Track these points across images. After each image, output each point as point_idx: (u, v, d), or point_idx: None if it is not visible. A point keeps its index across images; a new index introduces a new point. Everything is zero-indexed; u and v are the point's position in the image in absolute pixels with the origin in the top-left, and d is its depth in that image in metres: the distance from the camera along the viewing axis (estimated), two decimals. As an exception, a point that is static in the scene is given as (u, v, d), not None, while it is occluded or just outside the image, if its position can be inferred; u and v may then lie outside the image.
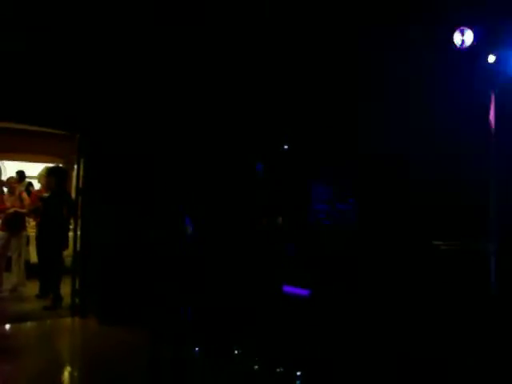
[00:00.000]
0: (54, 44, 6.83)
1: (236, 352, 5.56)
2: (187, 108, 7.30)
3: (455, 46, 5.50)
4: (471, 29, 5.43)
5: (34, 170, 13.15)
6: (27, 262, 9.33)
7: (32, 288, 8.71)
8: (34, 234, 9.20)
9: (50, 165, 9.75)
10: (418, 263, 5.33)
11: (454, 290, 5.06)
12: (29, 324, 7.19)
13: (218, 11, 6.32)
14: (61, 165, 10.46)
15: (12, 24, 6.40)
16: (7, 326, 6.96)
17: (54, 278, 7.88)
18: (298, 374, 5.01)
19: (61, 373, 5.52)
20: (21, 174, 9.93)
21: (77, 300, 7.53)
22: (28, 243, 9.58)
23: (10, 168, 12.56)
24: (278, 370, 5.09)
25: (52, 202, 8.02)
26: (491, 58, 5.05)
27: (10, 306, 7.88)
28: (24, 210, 8.77)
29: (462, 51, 5.49)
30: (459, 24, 5.50)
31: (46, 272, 8.08)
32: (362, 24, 5.90)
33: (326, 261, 5.95)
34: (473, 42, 5.42)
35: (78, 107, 7.31)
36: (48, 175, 8.33)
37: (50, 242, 7.87)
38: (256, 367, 5.22)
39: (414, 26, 5.63)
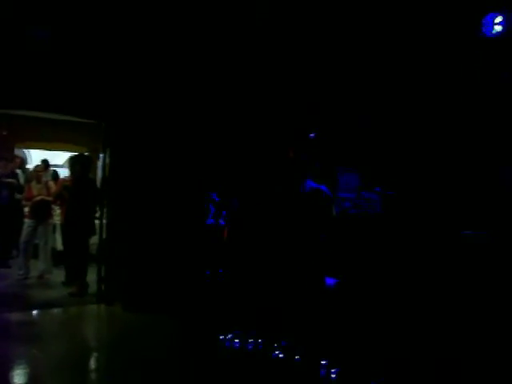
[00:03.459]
0: (80, 33, 6.86)
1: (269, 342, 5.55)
2: (213, 97, 7.28)
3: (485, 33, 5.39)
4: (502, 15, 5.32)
5: (59, 158, 13.36)
6: (54, 250, 9.45)
7: (58, 275, 8.82)
8: (60, 221, 9.30)
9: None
10: (446, 254, 5.24)
11: (483, 283, 4.96)
12: (55, 311, 7.29)
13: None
14: (86, 153, 10.50)
15: (40, 12, 6.44)
16: (34, 313, 7.06)
17: (80, 265, 7.95)
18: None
19: (86, 359, 5.59)
20: (46, 163, 10.03)
21: (102, 287, 7.60)
22: (54, 231, 9.68)
23: (36, 157, 12.74)
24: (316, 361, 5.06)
25: (77, 190, 8.07)
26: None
27: (36, 293, 7.99)
28: (50, 198, 8.86)
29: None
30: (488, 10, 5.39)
31: (72, 259, 8.14)
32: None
33: (352, 250, 5.89)
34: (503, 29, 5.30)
35: (104, 96, 7.33)
36: (73, 163, 8.41)
37: (75, 229, 7.93)
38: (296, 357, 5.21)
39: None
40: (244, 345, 5.61)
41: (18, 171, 10.37)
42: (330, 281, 5.55)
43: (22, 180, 9.97)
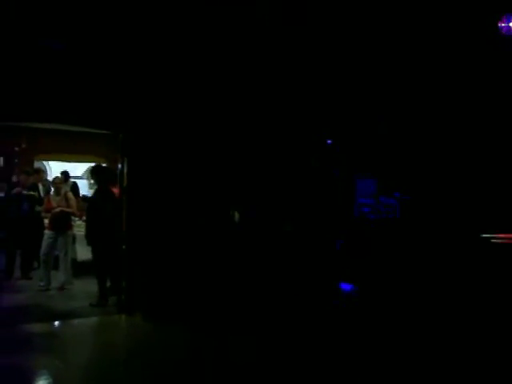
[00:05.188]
0: (97, 45, 6.92)
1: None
2: (229, 107, 7.29)
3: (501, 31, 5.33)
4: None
5: (78, 170, 13.48)
6: (74, 261, 9.49)
7: (79, 286, 8.86)
8: (80, 232, 9.35)
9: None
10: (466, 257, 5.17)
11: (504, 285, 4.90)
12: (76, 321, 7.30)
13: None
14: (104, 164, 10.57)
15: (57, 24, 6.50)
16: (55, 324, 7.09)
17: (101, 275, 7.98)
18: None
19: (106, 370, 5.54)
20: (65, 174, 10.11)
21: (123, 297, 7.61)
22: (74, 242, 9.73)
23: (55, 168, 12.84)
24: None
25: (97, 201, 8.11)
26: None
27: (57, 304, 8.00)
28: (70, 210, 8.92)
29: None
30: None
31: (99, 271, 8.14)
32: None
33: (371, 255, 5.85)
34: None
35: (121, 107, 7.38)
36: (92, 174, 8.47)
37: (97, 240, 7.96)
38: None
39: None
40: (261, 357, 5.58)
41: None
42: (345, 286, 5.52)
43: (42, 192, 10.04)
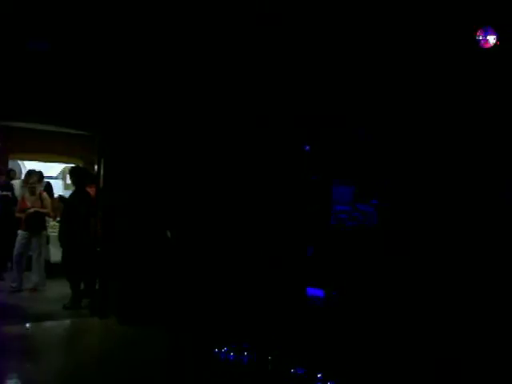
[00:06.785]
0: (74, 46, 6.87)
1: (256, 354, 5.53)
2: (205, 109, 7.29)
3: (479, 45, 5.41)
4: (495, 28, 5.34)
5: (53, 170, 13.32)
6: (47, 262, 9.38)
7: (52, 287, 8.76)
8: (54, 233, 9.26)
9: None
10: (447, 270, 5.19)
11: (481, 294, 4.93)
12: (48, 323, 7.22)
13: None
14: (80, 165, 10.47)
15: (36, 25, 6.44)
16: (27, 325, 6.97)
17: (74, 277, 7.91)
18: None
19: (78, 373, 5.45)
20: (40, 174, 9.99)
21: (97, 300, 7.55)
22: (48, 242, 9.62)
23: (30, 168, 12.63)
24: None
25: (72, 202, 8.05)
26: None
27: (29, 306, 7.90)
28: (44, 210, 8.83)
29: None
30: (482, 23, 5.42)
31: (71, 273, 8.06)
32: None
33: (347, 263, 5.89)
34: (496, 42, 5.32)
35: (99, 108, 7.34)
36: (70, 175, 8.41)
37: (70, 241, 7.89)
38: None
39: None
40: (239, 357, 5.59)
41: (16, 182, 10.35)
42: (315, 292, 5.55)
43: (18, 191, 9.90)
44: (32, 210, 8.67)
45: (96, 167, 7.95)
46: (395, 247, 5.57)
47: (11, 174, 10.61)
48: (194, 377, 5.30)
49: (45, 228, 9.11)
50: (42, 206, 8.81)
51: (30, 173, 9.25)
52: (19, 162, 13.33)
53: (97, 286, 7.66)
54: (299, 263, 6.02)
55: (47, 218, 9.25)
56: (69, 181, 9.28)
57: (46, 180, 10.63)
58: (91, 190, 8.12)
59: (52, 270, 9.33)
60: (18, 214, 8.89)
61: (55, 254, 9.48)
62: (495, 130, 5.12)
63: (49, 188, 10.37)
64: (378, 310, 5.39)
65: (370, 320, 5.33)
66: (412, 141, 5.79)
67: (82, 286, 8.00)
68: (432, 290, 5.17)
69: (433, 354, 4.82)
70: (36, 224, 8.76)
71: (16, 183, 10.29)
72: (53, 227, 9.69)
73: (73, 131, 9.36)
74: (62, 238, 8.07)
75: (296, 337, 5.58)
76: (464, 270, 5.03)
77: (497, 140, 5.11)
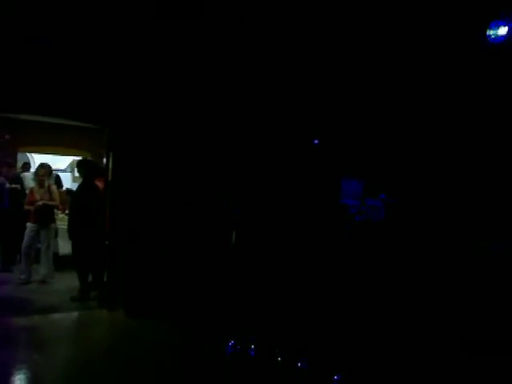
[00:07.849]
0: (84, 38, 6.86)
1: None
2: (215, 104, 7.28)
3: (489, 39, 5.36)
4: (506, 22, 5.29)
5: (62, 163, 13.36)
6: (56, 254, 9.41)
7: (60, 280, 8.80)
8: (63, 226, 9.28)
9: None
10: (456, 267, 5.15)
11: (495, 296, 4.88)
12: (56, 316, 7.23)
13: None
14: (89, 158, 10.49)
15: (44, 17, 6.43)
16: (35, 318, 7.00)
17: (82, 269, 7.92)
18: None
19: (87, 365, 5.48)
20: (48, 167, 10.01)
21: (105, 292, 7.57)
22: (56, 235, 9.65)
23: (39, 161, 12.68)
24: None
25: (80, 195, 8.05)
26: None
27: (38, 298, 7.93)
28: (53, 203, 8.84)
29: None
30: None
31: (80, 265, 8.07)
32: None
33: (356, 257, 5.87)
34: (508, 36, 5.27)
35: (108, 101, 7.33)
36: (78, 168, 8.41)
37: (79, 234, 7.90)
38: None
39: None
40: (246, 350, 5.59)
41: (28, 174, 10.39)
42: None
43: (28, 184, 9.94)
44: (41, 203, 8.68)
45: (104, 160, 7.95)
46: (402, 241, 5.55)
47: (26, 167, 10.74)
48: (202, 370, 5.31)
49: (53, 221, 9.12)
50: (51, 199, 8.82)
51: (43, 165, 9.25)
52: (28, 154, 13.39)
53: (105, 279, 7.67)
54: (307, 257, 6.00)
55: (56, 211, 9.27)
56: (77, 174, 9.29)
57: (55, 173, 10.67)
58: (100, 183, 8.11)
59: (60, 263, 9.35)
60: (26, 207, 8.91)
61: (64, 246, 9.49)
62: (498, 128, 5.10)
63: (58, 181, 10.40)
64: (383, 307, 5.38)
65: (377, 316, 5.32)
66: (422, 138, 5.76)
67: (90, 278, 8.01)
68: (437, 284, 5.15)
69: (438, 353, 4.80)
70: (45, 216, 8.77)
71: (28, 175, 10.33)
72: (61, 220, 9.70)
73: (81, 124, 9.35)
74: (71, 230, 8.07)
75: (305, 331, 5.58)
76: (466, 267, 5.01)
77: (497, 140, 5.09)
